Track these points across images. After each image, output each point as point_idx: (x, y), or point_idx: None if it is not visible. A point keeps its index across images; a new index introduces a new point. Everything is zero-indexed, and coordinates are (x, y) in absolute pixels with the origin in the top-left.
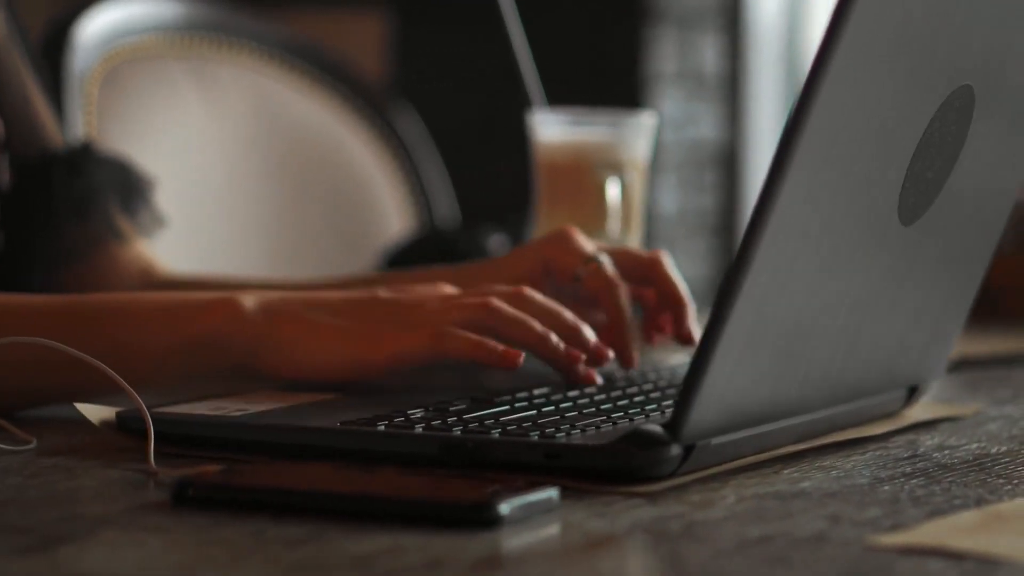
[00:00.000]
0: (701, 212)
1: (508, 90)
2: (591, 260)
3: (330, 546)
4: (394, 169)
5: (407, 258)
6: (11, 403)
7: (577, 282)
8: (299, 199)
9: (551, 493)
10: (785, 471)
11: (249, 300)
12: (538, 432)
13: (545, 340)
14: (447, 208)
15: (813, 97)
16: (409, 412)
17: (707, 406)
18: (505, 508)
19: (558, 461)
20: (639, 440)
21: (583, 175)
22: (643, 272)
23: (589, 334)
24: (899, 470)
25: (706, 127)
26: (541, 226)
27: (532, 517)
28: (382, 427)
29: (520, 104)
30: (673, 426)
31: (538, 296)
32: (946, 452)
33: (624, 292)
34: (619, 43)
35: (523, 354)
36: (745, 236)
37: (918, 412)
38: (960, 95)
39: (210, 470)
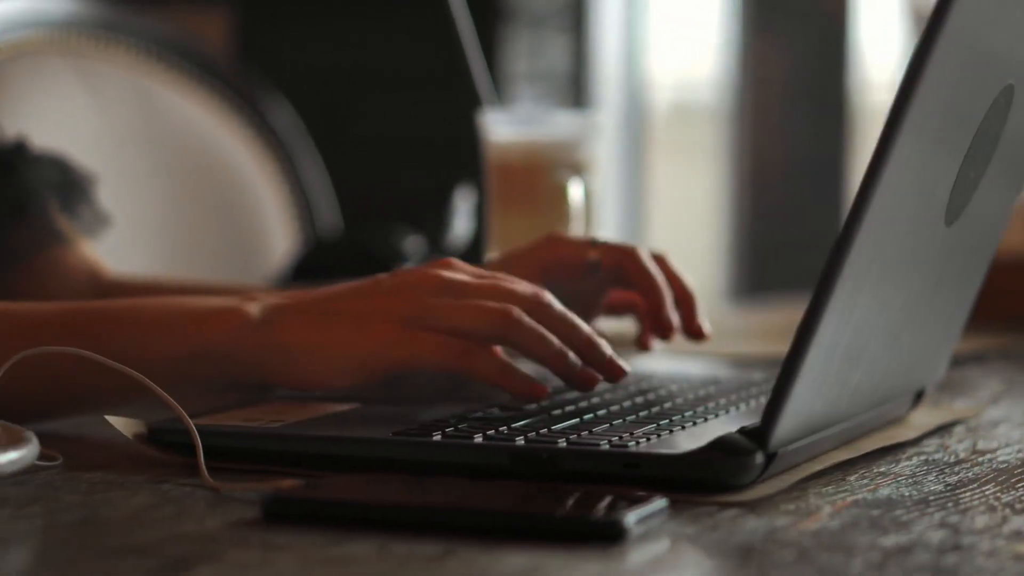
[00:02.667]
0: None
1: (358, 86)
2: (595, 242)
3: (474, 563)
4: (274, 169)
5: (318, 261)
6: (17, 413)
7: (594, 269)
8: (183, 199)
9: (663, 504)
10: (849, 478)
11: (255, 308)
12: (607, 441)
13: (563, 358)
14: (327, 207)
15: (904, 116)
16: (454, 422)
17: (790, 416)
18: (631, 521)
19: (636, 471)
20: (726, 448)
21: (539, 176)
22: (618, 261)
23: (605, 348)
24: (962, 475)
25: None
26: (494, 229)
27: (649, 530)
28: (438, 437)
29: (369, 104)
30: (761, 435)
31: (556, 306)
32: (988, 455)
33: (646, 256)
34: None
35: (549, 389)
36: (836, 250)
37: (926, 415)
38: (1005, 94)
39: (287, 484)
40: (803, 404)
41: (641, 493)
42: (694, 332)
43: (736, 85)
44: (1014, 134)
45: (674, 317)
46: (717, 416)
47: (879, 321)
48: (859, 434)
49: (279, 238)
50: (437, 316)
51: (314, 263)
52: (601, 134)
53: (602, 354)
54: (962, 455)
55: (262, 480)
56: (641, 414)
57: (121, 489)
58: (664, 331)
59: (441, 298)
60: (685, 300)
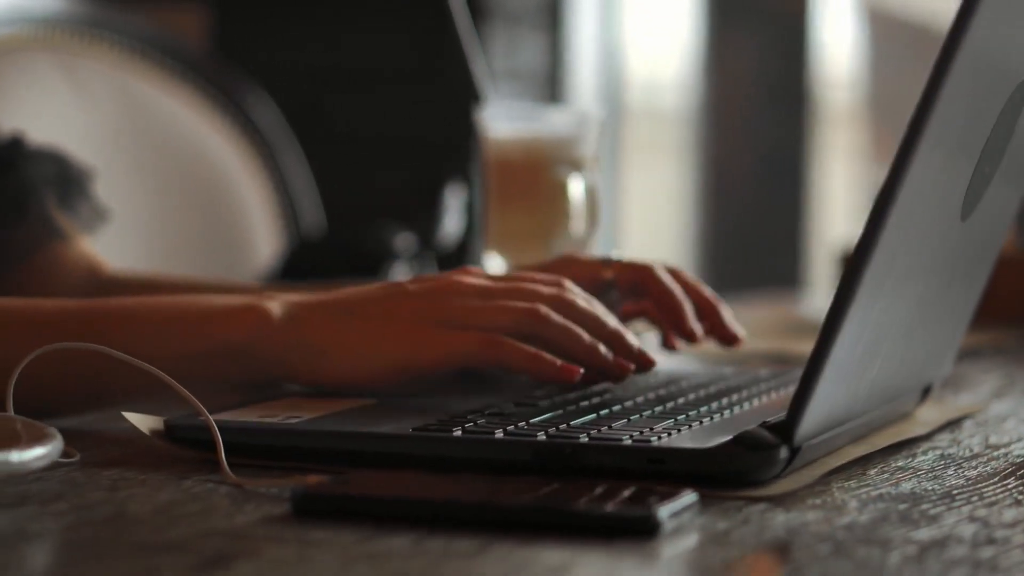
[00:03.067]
0: None
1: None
2: (609, 260)
3: (512, 557)
4: (258, 167)
5: (311, 258)
6: (33, 409)
7: (609, 288)
8: (167, 196)
9: (694, 498)
10: (869, 472)
11: (276, 307)
12: (628, 436)
13: (594, 351)
14: (311, 205)
15: (926, 121)
16: (473, 418)
17: (813, 411)
18: (665, 515)
19: (661, 466)
20: (751, 443)
21: (540, 173)
22: (635, 278)
23: (632, 340)
24: (980, 470)
25: None
26: (493, 226)
27: (680, 524)
28: (458, 432)
29: (347, 101)
30: (787, 429)
31: (580, 300)
32: (1002, 450)
33: (662, 271)
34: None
35: (581, 370)
36: (860, 248)
37: (932, 411)
38: (1019, 91)
39: (312, 479)
40: (826, 399)
41: (668, 488)
42: (728, 338)
43: (702, 84)
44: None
45: (697, 327)
46: (732, 412)
47: (897, 317)
48: (872, 429)
49: (263, 235)
50: (465, 316)
51: (304, 261)
52: (600, 129)
53: (631, 345)
54: (976, 450)
55: (284, 476)
56: (657, 409)
57: (143, 486)
58: (691, 341)
59: (468, 300)
60: (709, 308)
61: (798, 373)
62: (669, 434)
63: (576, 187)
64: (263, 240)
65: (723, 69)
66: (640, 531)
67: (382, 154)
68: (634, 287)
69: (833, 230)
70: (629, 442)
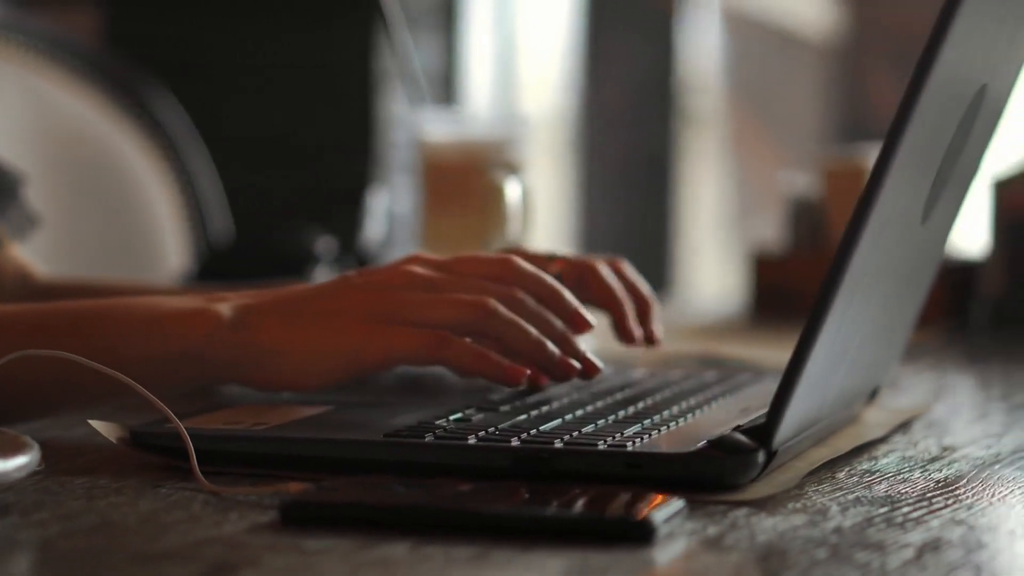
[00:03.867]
0: None
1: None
2: (553, 257)
3: (513, 564)
4: (164, 168)
5: (227, 261)
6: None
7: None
8: (78, 197)
9: (682, 503)
10: (838, 476)
11: (225, 309)
12: (602, 441)
13: (541, 347)
14: (218, 206)
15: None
16: (442, 424)
17: (790, 415)
18: (659, 520)
19: (638, 471)
20: (729, 447)
21: (475, 176)
22: (579, 275)
23: (578, 344)
24: (946, 472)
25: None
26: (428, 229)
27: (672, 530)
28: (431, 438)
29: (244, 102)
30: (766, 433)
31: (530, 300)
32: (958, 452)
33: (604, 268)
34: (350, 41)
35: (527, 372)
36: (838, 259)
37: (878, 413)
38: (979, 93)
39: (293, 487)
40: (800, 403)
41: (656, 494)
42: (648, 338)
43: (581, 85)
44: (980, 131)
45: (636, 330)
46: (693, 416)
47: (863, 321)
48: (830, 432)
49: (171, 237)
50: (412, 311)
51: (223, 263)
52: (531, 135)
53: (577, 348)
54: (934, 452)
55: (262, 484)
56: (621, 414)
57: (120, 494)
58: (628, 341)
59: (415, 293)
60: (644, 308)
61: (745, 377)
62: (641, 439)
63: (512, 190)
64: (172, 242)
65: (600, 71)
66: (636, 537)
67: (283, 156)
68: (579, 284)
69: (700, 232)
70: (604, 447)
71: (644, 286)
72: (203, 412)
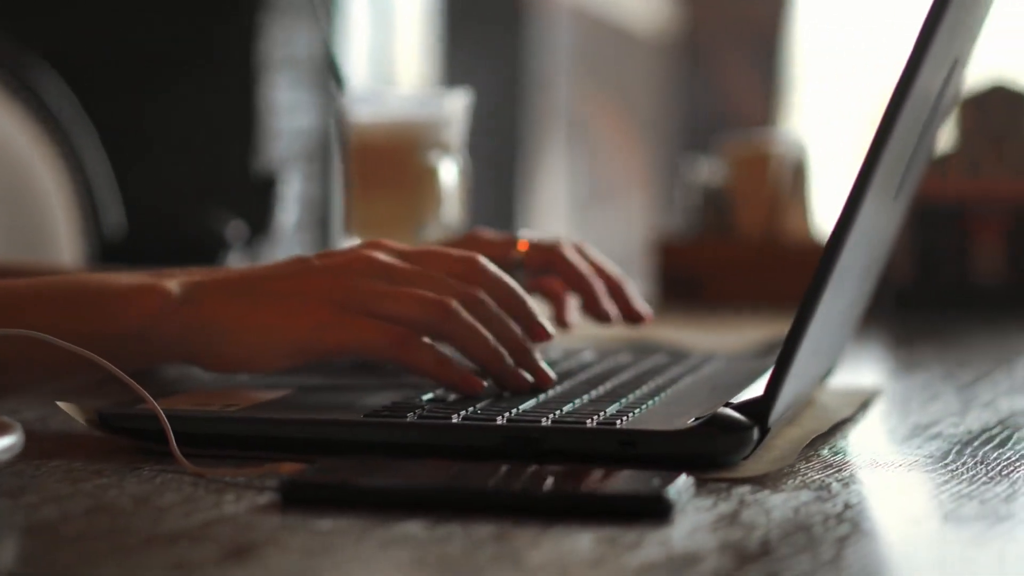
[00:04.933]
0: (311, 202)
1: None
2: (516, 240)
3: (541, 542)
4: (54, 154)
5: (131, 245)
6: None
7: (516, 267)
8: None
9: (691, 480)
10: (822, 453)
11: (175, 286)
12: (590, 419)
13: (496, 357)
14: (109, 192)
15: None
16: (421, 403)
17: (784, 394)
18: (674, 496)
19: (633, 449)
20: (725, 424)
21: (407, 158)
22: (545, 259)
23: (536, 356)
24: (928, 448)
25: (308, 115)
26: (356, 213)
27: (682, 507)
28: (413, 417)
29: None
30: (760, 412)
31: (492, 304)
32: (931, 429)
33: (571, 251)
34: (231, 29)
35: (484, 384)
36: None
37: (835, 394)
38: (953, 66)
39: (287, 467)
40: (791, 383)
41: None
42: (634, 317)
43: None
44: (945, 103)
45: (611, 308)
46: (665, 395)
47: (839, 304)
48: (794, 414)
49: (61, 223)
50: (373, 302)
51: (129, 248)
52: (466, 113)
53: (534, 360)
54: (905, 431)
55: (244, 466)
56: (593, 393)
57: (102, 476)
58: (603, 321)
59: (376, 282)
60: (616, 287)
61: (697, 358)
62: (626, 417)
63: (448, 171)
64: (63, 230)
65: (457, 71)
66: (656, 513)
67: (168, 145)
68: (542, 267)
69: (554, 220)
70: (594, 425)
71: (612, 266)
72: (158, 397)
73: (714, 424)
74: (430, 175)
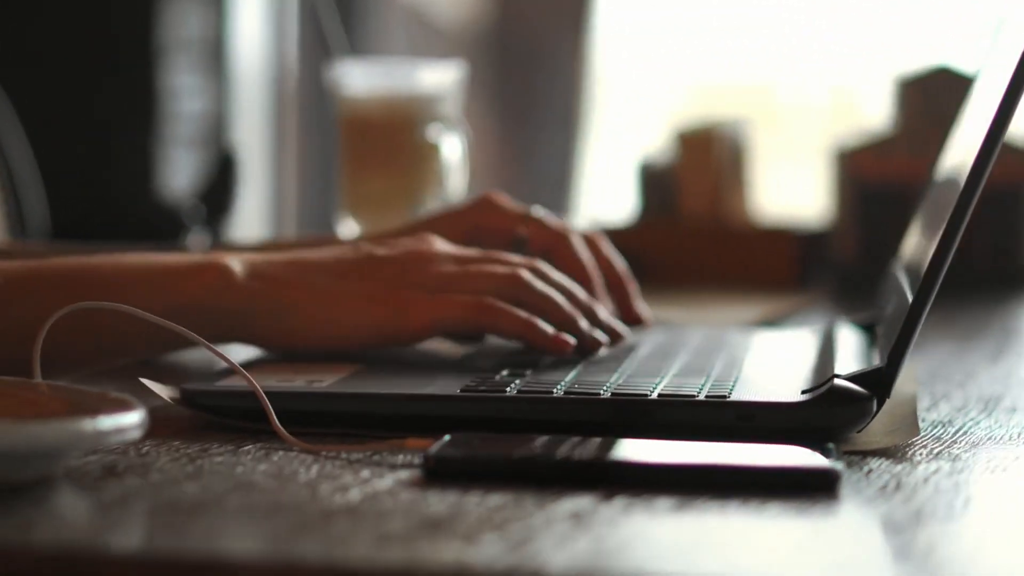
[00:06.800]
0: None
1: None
2: (528, 216)
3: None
4: None
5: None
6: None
7: (520, 244)
8: None
9: (839, 454)
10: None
11: (236, 263)
12: (697, 391)
13: (573, 321)
14: (30, 178)
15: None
16: (508, 378)
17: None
18: (840, 469)
19: (751, 422)
20: (846, 396)
21: (403, 132)
22: (549, 241)
23: (604, 314)
24: (992, 431)
25: (201, 99)
26: (348, 190)
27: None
28: (512, 391)
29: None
30: (883, 383)
31: (555, 273)
32: (1006, 401)
33: (578, 240)
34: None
35: (574, 342)
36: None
37: None
38: None
39: (413, 443)
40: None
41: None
42: (631, 318)
43: None
44: None
45: (606, 302)
46: (742, 369)
47: None
48: None
49: None
50: (448, 282)
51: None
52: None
53: (604, 319)
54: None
55: (348, 443)
56: (674, 367)
57: (212, 455)
58: (634, 322)
59: (446, 266)
60: (619, 285)
61: (738, 334)
62: (731, 390)
63: (451, 146)
64: None
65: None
66: (825, 486)
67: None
68: (545, 248)
69: None
70: (705, 397)
71: (620, 263)
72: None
73: (834, 395)
74: (428, 150)
